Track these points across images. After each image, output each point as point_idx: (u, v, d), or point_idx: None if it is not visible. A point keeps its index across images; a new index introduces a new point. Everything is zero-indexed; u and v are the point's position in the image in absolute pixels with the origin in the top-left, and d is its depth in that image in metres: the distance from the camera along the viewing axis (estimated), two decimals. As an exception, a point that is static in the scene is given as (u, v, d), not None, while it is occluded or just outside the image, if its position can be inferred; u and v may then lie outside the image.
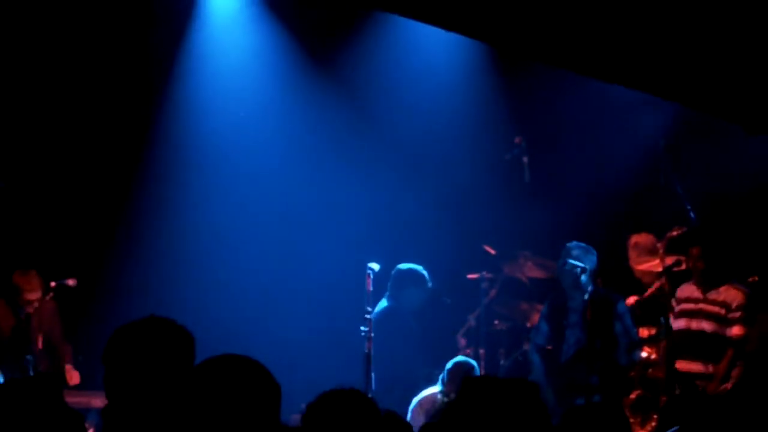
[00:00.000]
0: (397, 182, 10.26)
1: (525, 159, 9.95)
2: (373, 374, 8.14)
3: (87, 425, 6.08)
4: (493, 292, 9.88)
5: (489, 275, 9.84)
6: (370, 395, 7.03)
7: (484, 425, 3.27)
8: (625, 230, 9.58)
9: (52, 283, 8.86)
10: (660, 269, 8.81)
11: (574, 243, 8.56)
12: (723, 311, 8.34)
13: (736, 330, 8.29)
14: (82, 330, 9.28)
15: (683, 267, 8.76)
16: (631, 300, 8.97)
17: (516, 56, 9.65)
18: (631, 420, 8.08)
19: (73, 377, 9.02)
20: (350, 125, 10.29)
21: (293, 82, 10.39)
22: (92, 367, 8.85)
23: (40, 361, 8.81)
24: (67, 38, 9.74)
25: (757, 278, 8.66)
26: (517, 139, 9.99)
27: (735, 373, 8.23)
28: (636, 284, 9.32)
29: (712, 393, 8.03)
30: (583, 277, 8.48)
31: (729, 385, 8.18)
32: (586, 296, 8.46)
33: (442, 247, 9.98)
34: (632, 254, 9.38)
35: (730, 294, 8.38)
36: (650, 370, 8.52)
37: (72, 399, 7.92)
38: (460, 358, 8.26)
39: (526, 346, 9.27)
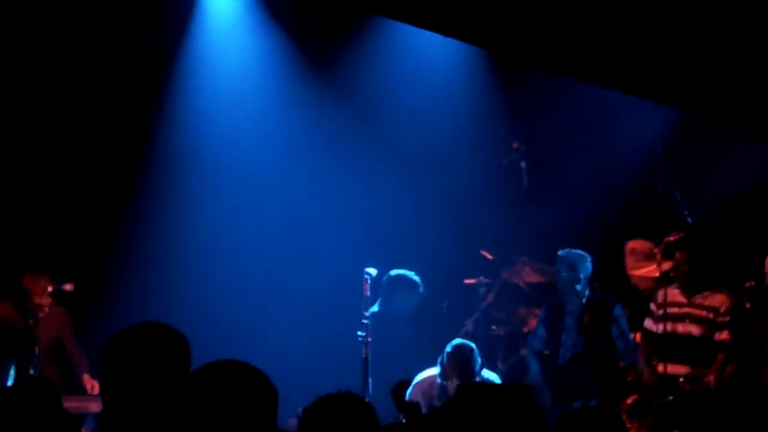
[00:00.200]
0: (396, 187, 10.25)
1: (523, 164, 9.97)
2: (370, 379, 8.14)
3: (84, 430, 6.10)
4: (490, 297, 9.89)
5: (486, 280, 9.85)
6: (367, 399, 7.03)
7: (480, 430, 3.28)
8: (622, 235, 9.58)
9: (50, 288, 8.83)
10: (657, 274, 8.80)
11: (568, 250, 8.57)
12: (711, 315, 8.32)
13: (725, 334, 8.30)
14: (80, 333, 9.26)
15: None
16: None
17: (514, 61, 9.67)
18: (628, 424, 8.08)
19: (95, 386, 8.72)
20: (349, 129, 10.29)
21: (293, 85, 10.39)
22: (90, 372, 8.85)
23: (43, 366, 8.70)
24: (68, 41, 9.74)
25: (754, 283, 8.64)
26: (515, 144, 10.02)
27: (726, 376, 8.23)
28: (633, 290, 9.32)
29: (703, 395, 8.03)
30: (578, 286, 8.50)
31: (713, 383, 8.18)
32: (584, 300, 8.49)
33: (440, 251, 9.99)
34: (629, 260, 9.37)
35: (716, 299, 8.36)
36: (646, 374, 8.53)
37: (69, 404, 7.93)
38: (458, 340, 8.06)
39: (524, 351, 9.27)
